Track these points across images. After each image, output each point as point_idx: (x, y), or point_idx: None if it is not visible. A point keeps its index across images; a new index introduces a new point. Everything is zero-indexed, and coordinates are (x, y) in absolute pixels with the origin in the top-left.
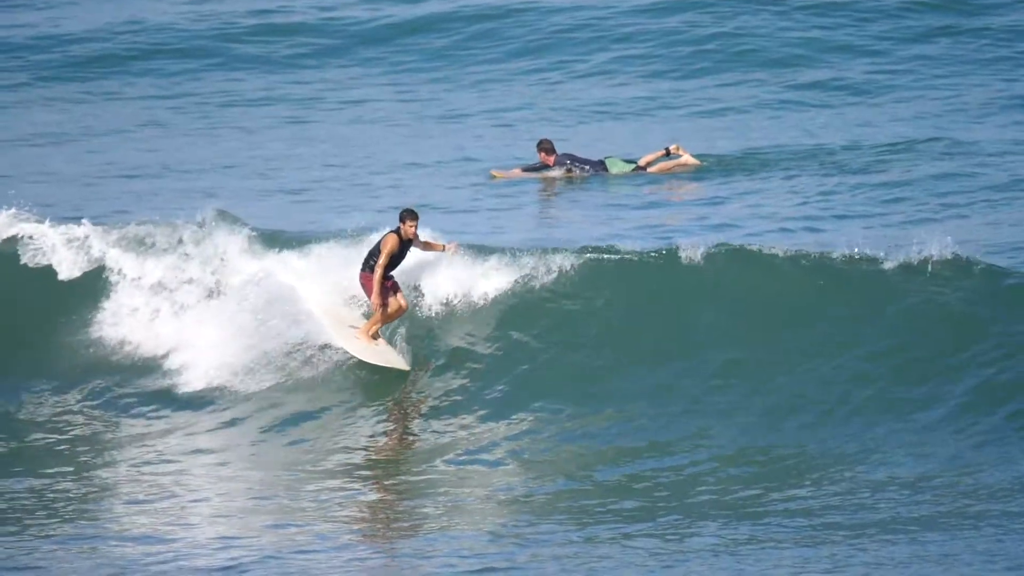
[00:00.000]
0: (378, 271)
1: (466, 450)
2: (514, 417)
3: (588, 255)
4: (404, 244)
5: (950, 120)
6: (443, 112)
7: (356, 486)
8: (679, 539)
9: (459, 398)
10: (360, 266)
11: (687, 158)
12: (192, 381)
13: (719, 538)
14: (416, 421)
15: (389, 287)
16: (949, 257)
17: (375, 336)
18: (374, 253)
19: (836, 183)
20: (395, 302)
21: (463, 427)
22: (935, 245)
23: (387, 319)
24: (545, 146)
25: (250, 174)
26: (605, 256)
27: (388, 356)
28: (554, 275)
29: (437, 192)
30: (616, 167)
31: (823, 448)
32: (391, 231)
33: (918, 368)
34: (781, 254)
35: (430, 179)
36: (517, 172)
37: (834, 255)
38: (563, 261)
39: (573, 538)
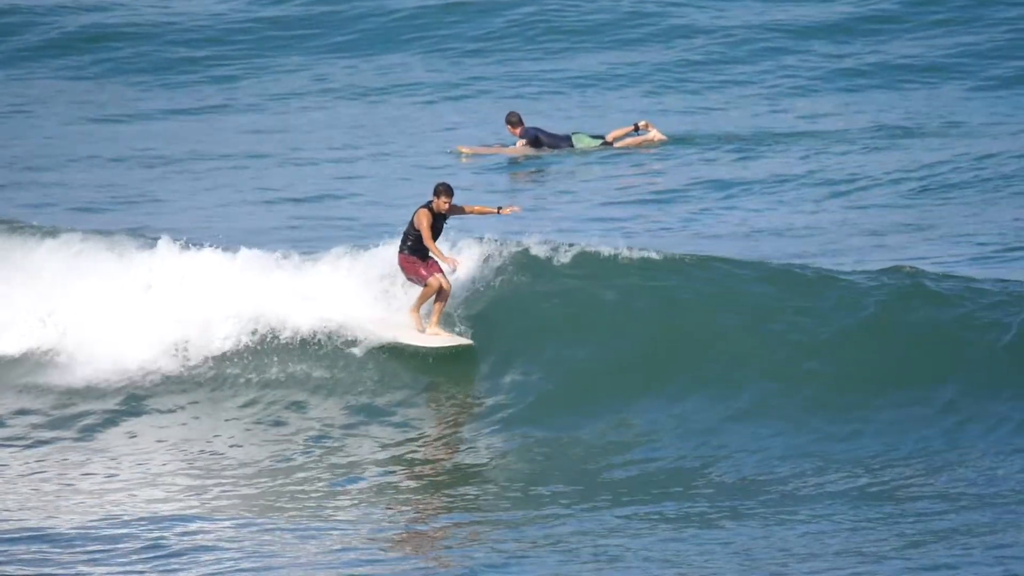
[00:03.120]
0: (429, 243)
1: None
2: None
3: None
4: (437, 218)
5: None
6: (404, 88)
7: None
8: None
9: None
10: (398, 248)
11: (654, 134)
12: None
13: (716, 513)
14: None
15: (432, 267)
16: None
17: (436, 324)
18: (410, 233)
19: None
20: (441, 283)
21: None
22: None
23: (433, 296)
24: (512, 119)
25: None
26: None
27: (449, 339)
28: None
29: (403, 172)
30: (582, 142)
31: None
32: (422, 206)
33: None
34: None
35: (396, 158)
36: (484, 148)
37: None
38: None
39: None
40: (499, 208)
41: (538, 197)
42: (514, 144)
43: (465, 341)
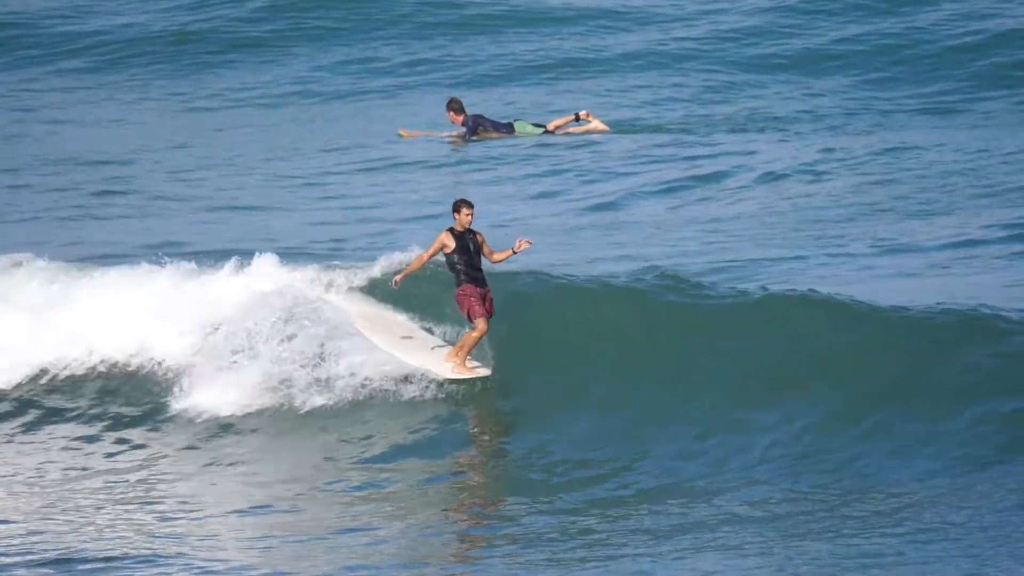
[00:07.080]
0: (419, 263)
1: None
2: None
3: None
4: (461, 237)
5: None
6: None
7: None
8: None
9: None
10: (454, 283)
11: (596, 124)
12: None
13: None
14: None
15: (487, 304)
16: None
17: (464, 356)
18: (453, 264)
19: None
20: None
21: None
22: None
23: (476, 340)
24: (454, 106)
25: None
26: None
27: (469, 372)
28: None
29: (347, 155)
30: (524, 129)
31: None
32: (446, 229)
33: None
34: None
35: (338, 142)
36: (422, 132)
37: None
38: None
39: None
40: (513, 249)
41: (477, 185)
42: (456, 131)
43: (484, 371)
